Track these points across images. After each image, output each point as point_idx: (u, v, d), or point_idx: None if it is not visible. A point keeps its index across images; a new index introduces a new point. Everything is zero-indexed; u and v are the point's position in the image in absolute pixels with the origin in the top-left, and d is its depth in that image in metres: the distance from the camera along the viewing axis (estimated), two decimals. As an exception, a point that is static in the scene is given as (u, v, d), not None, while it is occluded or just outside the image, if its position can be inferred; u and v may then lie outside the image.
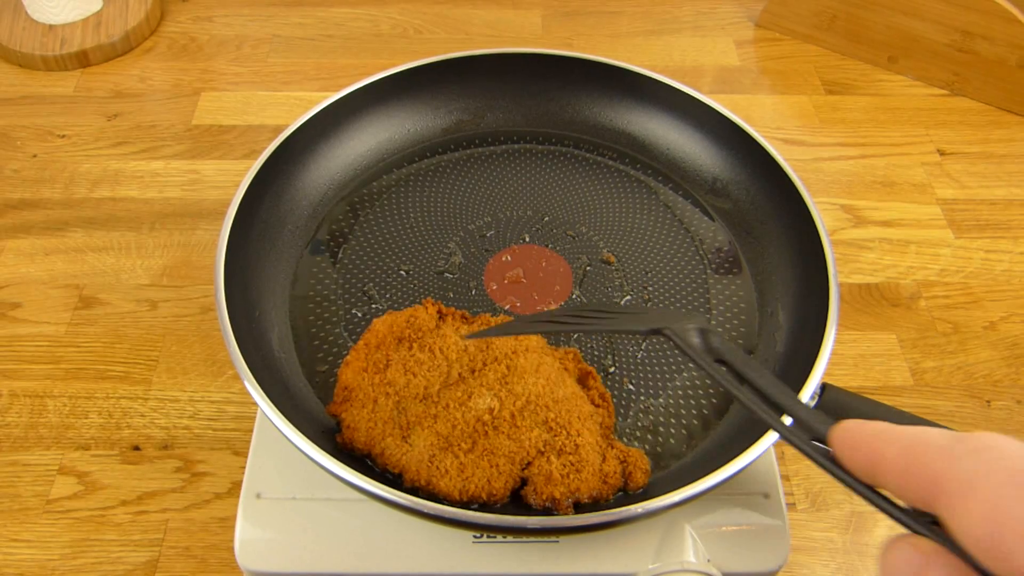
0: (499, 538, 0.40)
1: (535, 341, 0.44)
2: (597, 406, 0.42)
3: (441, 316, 0.45)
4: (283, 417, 0.36)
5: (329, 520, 0.40)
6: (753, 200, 0.53)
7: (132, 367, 0.56)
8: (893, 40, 0.81)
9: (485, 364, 0.41)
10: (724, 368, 0.30)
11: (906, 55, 0.81)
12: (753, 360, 0.28)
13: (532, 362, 0.41)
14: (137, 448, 0.52)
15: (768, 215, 0.52)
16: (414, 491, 0.37)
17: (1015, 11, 0.73)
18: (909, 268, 0.65)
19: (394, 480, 0.38)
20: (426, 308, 0.45)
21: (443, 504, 0.36)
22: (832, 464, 0.21)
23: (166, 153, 0.72)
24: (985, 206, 0.70)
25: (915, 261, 0.65)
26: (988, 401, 0.57)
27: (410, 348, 0.42)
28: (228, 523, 0.49)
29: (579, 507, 0.38)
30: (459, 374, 0.41)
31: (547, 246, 0.51)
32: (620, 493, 0.39)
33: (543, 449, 0.39)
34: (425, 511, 0.35)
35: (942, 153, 0.74)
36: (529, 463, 0.38)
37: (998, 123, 0.77)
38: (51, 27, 0.81)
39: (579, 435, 0.39)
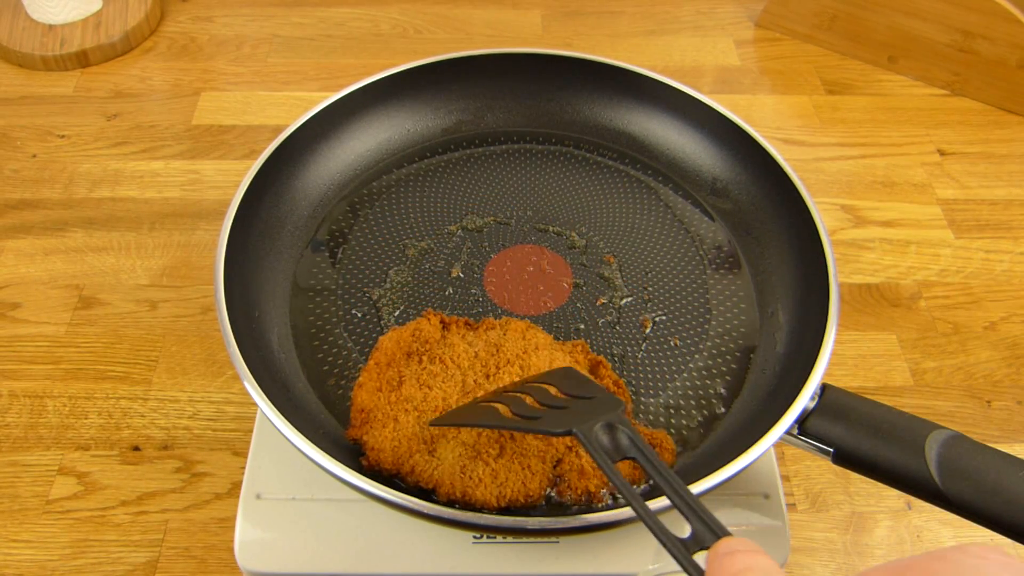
0: (499, 538, 0.40)
1: (543, 338, 0.43)
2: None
3: (444, 325, 0.44)
4: (283, 417, 0.36)
5: (329, 520, 0.40)
6: (753, 200, 0.53)
7: (132, 367, 0.56)
8: (893, 40, 0.81)
9: (499, 368, 0.40)
10: (632, 462, 0.31)
11: (906, 55, 0.81)
12: (656, 456, 0.30)
13: (544, 359, 0.41)
14: (137, 448, 0.52)
15: (768, 215, 0.52)
16: (450, 504, 0.36)
17: (1015, 11, 0.73)
18: (909, 268, 0.65)
19: (426, 494, 0.37)
20: (428, 319, 0.44)
21: (478, 511, 0.35)
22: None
23: (166, 153, 0.72)
24: (985, 206, 0.70)
25: (915, 261, 0.65)
26: (988, 401, 0.57)
27: (420, 361, 0.41)
28: (228, 523, 0.49)
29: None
30: (475, 381, 0.40)
31: (547, 246, 0.51)
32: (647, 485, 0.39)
33: (571, 444, 0.38)
34: (425, 511, 0.35)
35: (942, 153, 0.74)
36: (559, 460, 0.38)
37: (998, 123, 0.77)
38: (51, 27, 0.81)
39: None
